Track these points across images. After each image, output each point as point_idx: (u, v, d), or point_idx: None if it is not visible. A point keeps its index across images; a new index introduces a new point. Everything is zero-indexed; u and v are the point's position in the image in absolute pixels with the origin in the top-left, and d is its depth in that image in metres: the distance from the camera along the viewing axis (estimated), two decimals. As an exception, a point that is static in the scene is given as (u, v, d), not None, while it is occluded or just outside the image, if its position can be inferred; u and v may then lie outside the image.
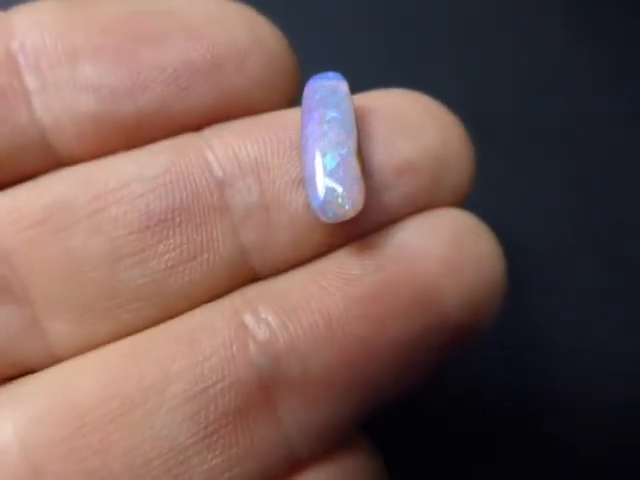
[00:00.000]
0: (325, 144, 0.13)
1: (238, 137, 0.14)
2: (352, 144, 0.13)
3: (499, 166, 0.24)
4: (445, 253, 0.13)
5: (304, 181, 0.13)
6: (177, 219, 0.13)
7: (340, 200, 0.12)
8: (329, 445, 0.13)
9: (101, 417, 0.12)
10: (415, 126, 0.14)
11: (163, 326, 0.13)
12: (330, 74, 0.13)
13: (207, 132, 0.14)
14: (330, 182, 0.12)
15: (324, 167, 0.12)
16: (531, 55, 0.26)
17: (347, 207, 0.12)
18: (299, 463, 0.13)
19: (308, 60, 0.15)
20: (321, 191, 0.12)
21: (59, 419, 0.12)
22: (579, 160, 0.24)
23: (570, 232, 0.23)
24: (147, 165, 0.13)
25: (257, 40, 0.14)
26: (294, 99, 0.15)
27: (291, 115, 0.14)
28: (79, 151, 0.14)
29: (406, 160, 0.14)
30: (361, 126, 0.14)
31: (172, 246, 0.13)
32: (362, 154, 0.13)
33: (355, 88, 0.15)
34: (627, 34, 0.26)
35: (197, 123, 0.14)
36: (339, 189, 0.12)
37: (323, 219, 0.12)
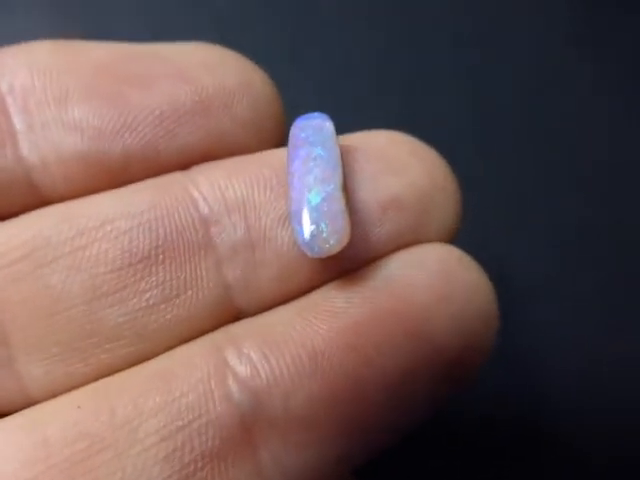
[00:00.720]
0: (310, 180, 0.13)
1: (224, 175, 0.14)
2: (337, 180, 0.13)
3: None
4: (433, 283, 0.13)
5: (290, 217, 0.13)
6: (160, 256, 0.13)
7: (325, 235, 0.12)
8: None
9: (68, 458, 0.11)
10: (401, 163, 0.14)
11: (140, 365, 0.13)
12: (316, 114, 0.14)
13: (193, 170, 0.14)
14: (315, 217, 0.12)
15: (309, 202, 0.12)
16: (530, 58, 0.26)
17: (332, 242, 0.12)
18: None
19: (294, 105, 0.16)
20: (306, 226, 0.12)
21: (26, 459, 0.11)
22: (578, 164, 0.24)
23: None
24: (131, 202, 0.13)
25: (245, 83, 0.15)
26: (280, 142, 0.15)
27: (277, 154, 0.14)
28: (65, 190, 0.14)
29: (392, 196, 0.14)
30: (347, 163, 0.14)
31: (154, 284, 0.13)
32: (348, 190, 0.13)
33: (343, 126, 0.15)
34: (628, 34, 0.26)
35: (184, 163, 0.14)
36: (324, 224, 0.12)
37: (309, 254, 0.12)
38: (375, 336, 0.13)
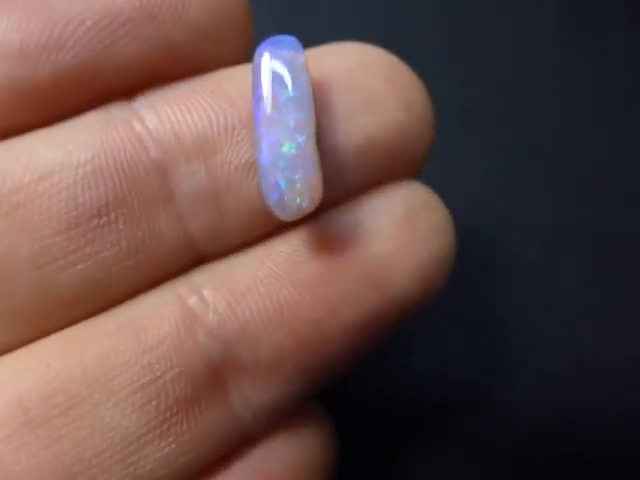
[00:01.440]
0: (281, 132, 0.11)
1: (177, 109, 0.12)
2: (310, 129, 0.12)
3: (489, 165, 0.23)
4: (397, 232, 0.13)
5: (258, 172, 0.12)
6: (112, 214, 0.12)
7: (297, 197, 0.11)
8: (281, 420, 0.14)
9: (47, 411, 0.12)
10: (376, 98, 0.13)
11: (106, 314, 0.12)
12: (285, 39, 0.12)
13: (139, 102, 0.12)
14: (287, 177, 0.11)
15: (280, 159, 0.11)
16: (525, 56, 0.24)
17: (305, 204, 0.12)
18: (252, 438, 0.14)
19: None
20: (277, 187, 0.11)
21: (2, 414, 0.12)
22: (573, 162, 0.23)
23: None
24: (70, 149, 0.11)
25: None
26: (247, 50, 0.13)
27: (239, 79, 0.12)
28: None
29: (366, 137, 0.13)
30: (319, 99, 0.12)
31: (109, 244, 0.12)
32: (320, 133, 0.12)
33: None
34: (621, 35, 0.24)
35: (127, 86, 0.12)
36: (296, 185, 0.11)
37: (280, 216, 0.12)
38: (338, 286, 0.13)
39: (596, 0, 0.25)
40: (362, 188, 0.13)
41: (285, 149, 0.11)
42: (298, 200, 0.11)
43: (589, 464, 0.20)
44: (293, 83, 0.11)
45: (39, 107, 0.12)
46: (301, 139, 0.11)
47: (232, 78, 0.12)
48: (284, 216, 0.12)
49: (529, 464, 0.20)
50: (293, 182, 0.11)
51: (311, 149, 0.11)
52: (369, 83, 0.13)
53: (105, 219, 0.12)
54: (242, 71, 0.12)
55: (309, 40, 0.14)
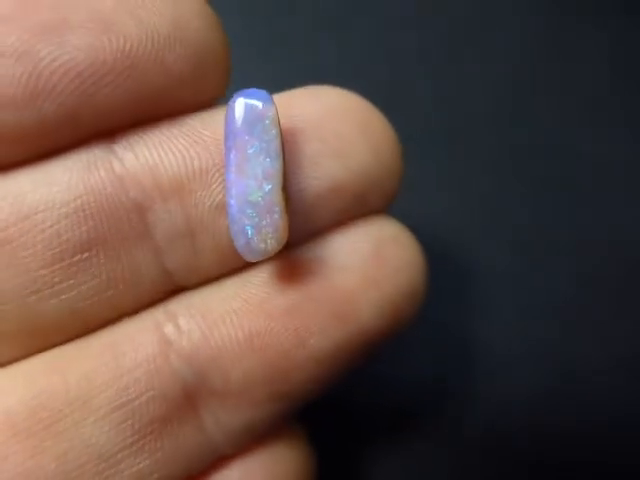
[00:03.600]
0: (249, 181, 0.12)
1: (155, 152, 0.13)
2: (277, 178, 0.12)
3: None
4: (365, 267, 0.14)
5: (227, 217, 0.12)
6: (94, 249, 0.13)
7: (262, 242, 0.12)
8: (253, 441, 0.15)
9: (34, 425, 0.13)
10: (345, 142, 0.13)
11: (87, 338, 0.13)
12: (255, 92, 0.12)
13: (120, 144, 0.13)
14: (253, 223, 0.12)
15: (247, 206, 0.12)
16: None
17: (270, 247, 0.12)
18: (224, 458, 0.15)
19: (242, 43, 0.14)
20: (244, 233, 0.12)
21: None
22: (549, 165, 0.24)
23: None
24: (54, 190, 0.12)
25: (179, 27, 0.12)
26: (223, 93, 0.14)
27: (213, 124, 0.13)
28: None
29: (333, 182, 0.13)
30: (289, 145, 0.13)
31: (90, 277, 0.13)
32: (288, 179, 0.13)
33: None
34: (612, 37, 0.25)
35: (108, 128, 0.13)
36: (262, 230, 0.12)
37: (247, 258, 0.13)
38: (307, 318, 0.14)
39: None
40: (331, 227, 0.14)
41: (252, 197, 0.12)
42: (263, 245, 0.12)
43: (576, 466, 0.21)
44: (262, 135, 0.12)
45: (23, 148, 0.12)
46: (267, 188, 0.12)
47: (207, 123, 0.13)
48: (251, 258, 0.13)
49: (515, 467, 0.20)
50: (259, 228, 0.12)
51: (277, 197, 0.12)
52: (338, 129, 0.13)
53: (87, 254, 0.12)
54: (217, 115, 0.13)
55: (286, 79, 0.15)
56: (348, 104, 0.14)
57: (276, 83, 0.15)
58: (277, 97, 0.14)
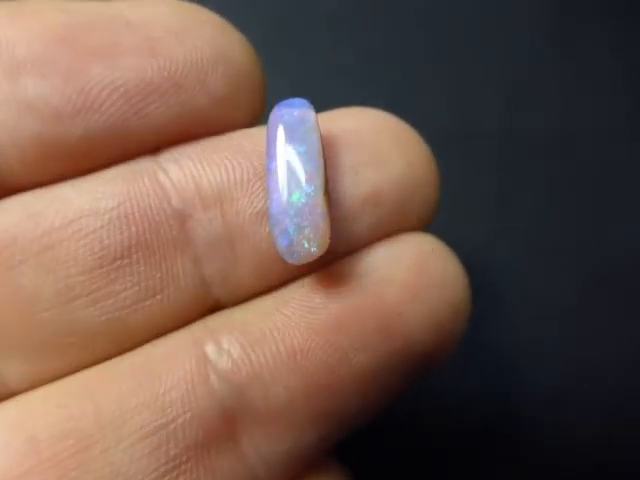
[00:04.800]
0: (291, 182, 0.12)
1: (198, 162, 0.13)
2: (319, 181, 0.12)
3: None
4: (409, 279, 0.13)
5: (269, 219, 0.12)
6: (134, 256, 0.12)
7: (305, 243, 0.12)
8: (296, 473, 0.14)
9: (59, 453, 0.12)
10: (382, 154, 0.14)
11: (122, 357, 0.13)
12: (297, 101, 0.13)
13: (164, 156, 0.13)
14: (295, 224, 0.12)
15: (290, 207, 0.12)
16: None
17: (313, 249, 0.12)
18: None
19: (277, 73, 0.15)
20: (286, 233, 0.12)
21: (15, 455, 0.12)
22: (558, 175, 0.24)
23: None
24: (99, 195, 0.12)
25: (221, 53, 0.13)
26: (261, 115, 0.14)
27: (254, 137, 0.13)
28: (24, 176, 0.13)
29: (373, 190, 0.13)
30: (328, 156, 0.13)
31: (130, 284, 0.12)
32: (329, 186, 0.13)
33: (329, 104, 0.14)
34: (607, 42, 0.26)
35: (153, 145, 0.13)
36: (305, 231, 0.12)
37: (289, 261, 0.12)
38: (351, 333, 0.13)
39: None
40: (372, 237, 0.14)
41: (294, 198, 0.12)
42: (306, 245, 0.12)
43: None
44: (303, 139, 0.12)
45: (71, 161, 0.13)
46: (310, 189, 0.12)
47: (248, 136, 0.13)
48: (293, 261, 0.12)
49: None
50: (302, 228, 0.12)
51: (319, 199, 0.12)
52: (375, 141, 0.14)
53: (127, 260, 0.12)
54: (257, 130, 0.14)
55: (319, 105, 0.15)
56: (383, 121, 0.14)
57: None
58: (320, 115, 0.14)
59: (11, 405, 0.12)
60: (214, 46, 0.13)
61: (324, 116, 0.14)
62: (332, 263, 0.13)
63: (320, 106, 0.14)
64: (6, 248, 0.12)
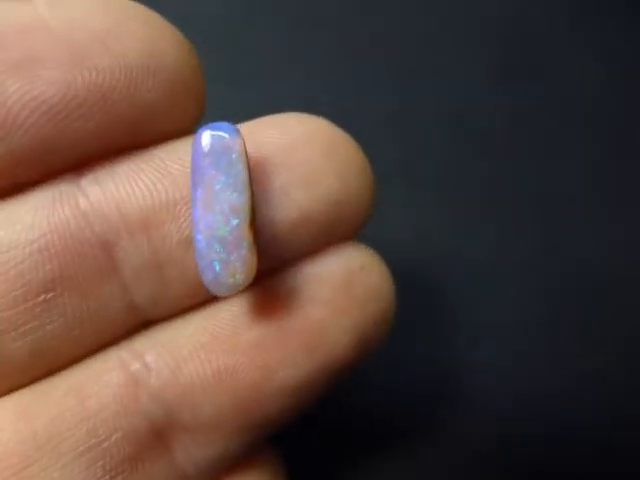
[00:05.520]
0: (216, 215, 0.12)
1: (121, 185, 0.13)
2: (244, 211, 0.12)
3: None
4: (334, 298, 0.14)
5: (195, 252, 0.12)
6: (59, 288, 0.12)
7: (231, 276, 0.12)
8: (226, 470, 0.14)
9: (3, 471, 0.13)
10: (312, 171, 0.13)
11: (52, 380, 0.13)
12: (222, 125, 0.12)
13: (86, 178, 0.13)
14: (221, 258, 0.12)
15: (214, 241, 0.12)
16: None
17: (238, 282, 0.12)
18: None
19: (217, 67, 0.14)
20: (211, 268, 0.12)
21: None
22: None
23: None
24: (18, 228, 0.12)
25: (153, 57, 0.12)
26: (199, 120, 0.14)
27: (182, 154, 0.13)
28: None
29: (303, 213, 0.13)
30: (258, 178, 0.13)
31: (56, 316, 0.12)
32: (259, 210, 0.13)
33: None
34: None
35: (77, 162, 0.13)
36: (230, 266, 0.12)
37: (215, 293, 0.12)
38: (275, 352, 0.13)
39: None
40: (300, 256, 0.14)
41: (219, 233, 0.12)
42: (232, 279, 0.12)
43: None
44: (228, 169, 0.12)
45: None
46: (235, 222, 0.12)
47: (175, 154, 0.13)
48: (219, 293, 0.12)
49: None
50: (227, 263, 0.12)
51: (245, 230, 0.12)
52: (306, 158, 0.13)
53: (51, 294, 0.12)
54: (187, 145, 0.13)
55: (257, 106, 0.15)
56: (315, 130, 0.14)
57: (248, 110, 0.15)
58: (244, 126, 0.14)
59: None
60: (145, 50, 0.12)
61: (251, 125, 0.14)
62: (260, 283, 0.13)
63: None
64: None
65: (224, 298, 0.14)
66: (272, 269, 0.14)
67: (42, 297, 0.12)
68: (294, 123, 0.14)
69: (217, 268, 0.12)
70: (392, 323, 0.15)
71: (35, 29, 0.12)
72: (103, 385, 0.13)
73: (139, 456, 0.13)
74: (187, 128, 0.13)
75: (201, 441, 0.14)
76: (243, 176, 0.12)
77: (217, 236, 0.12)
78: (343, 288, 0.14)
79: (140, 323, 0.13)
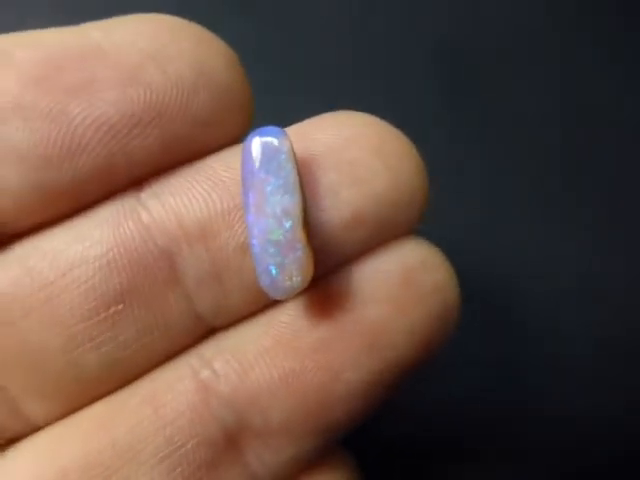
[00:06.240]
0: (268, 220, 0.12)
1: (178, 197, 0.13)
2: (297, 214, 0.12)
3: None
4: (394, 296, 0.13)
5: (252, 257, 0.12)
6: (127, 300, 0.13)
7: (287, 279, 0.12)
8: (299, 472, 0.14)
9: None
10: (363, 170, 0.13)
11: (127, 390, 0.14)
12: (270, 129, 0.12)
13: (146, 192, 0.13)
14: (277, 262, 0.12)
15: (269, 245, 0.12)
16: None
17: (296, 284, 0.12)
18: None
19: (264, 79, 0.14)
20: (268, 272, 0.12)
21: None
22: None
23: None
24: (87, 245, 0.13)
25: (203, 73, 0.13)
26: (248, 130, 0.14)
27: (233, 163, 0.13)
28: (15, 223, 0.13)
29: (354, 213, 0.13)
30: (306, 179, 0.13)
31: (127, 327, 0.13)
32: (309, 213, 0.13)
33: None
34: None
35: (138, 178, 0.13)
36: (286, 268, 0.12)
37: (274, 297, 0.12)
38: (338, 353, 0.13)
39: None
40: (356, 256, 0.13)
41: (273, 236, 0.12)
42: (289, 282, 0.12)
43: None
44: (278, 171, 0.12)
45: (62, 204, 0.13)
46: (288, 224, 0.12)
47: (227, 164, 0.13)
48: (277, 296, 0.12)
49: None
50: (283, 266, 0.12)
51: (298, 233, 0.12)
52: (356, 157, 0.13)
53: (121, 306, 0.13)
54: (236, 154, 0.13)
55: (304, 110, 0.15)
56: (363, 128, 0.13)
57: (296, 114, 0.15)
58: (294, 128, 0.14)
59: (39, 439, 0.13)
60: (196, 66, 0.13)
61: (300, 127, 0.14)
62: (317, 284, 0.13)
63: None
64: (5, 304, 0.13)
65: (284, 302, 0.14)
66: (328, 271, 0.13)
67: (112, 309, 0.13)
68: (341, 121, 0.14)
69: (273, 272, 0.12)
70: (456, 321, 0.14)
71: (90, 53, 0.12)
72: (176, 393, 0.13)
73: (214, 462, 0.13)
74: (237, 137, 0.14)
75: (273, 445, 0.14)
76: (292, 177, 0.12)
77: (271, 240, 0.12)
78: (402, 285, 0.13)
79: (206, 331, 0.14)
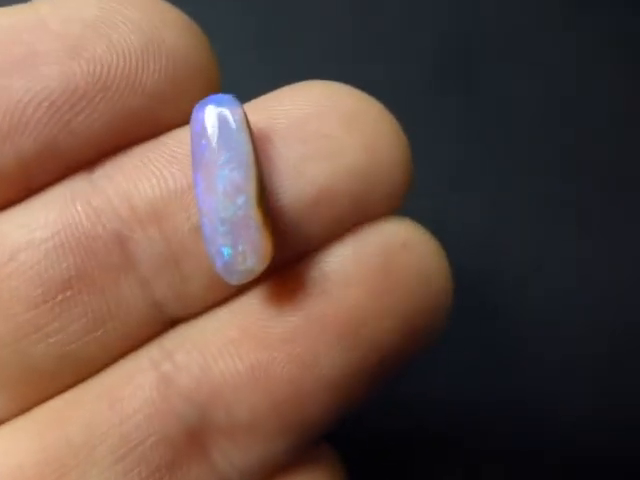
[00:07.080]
0: (218, 196, 0.11)
1: (129, 177, 0.12)
2: (251, 190, 0.11)
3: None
4: (372, 279, 0.12)
5: (203, 239, 0.11)
6: (76, 287, 0.12)
7: (242, 261, 0.11)
8: (274, 473, 0.13)
9: (44, 478, 0.12)
10: (331, 142, 0.12)
11: (84, 385, 0.13)
12: (220, 97, 0.11)
13: (97, 173, 0.12)
14: (229, 242, 0.11)
15: (220, 224, 0.11)
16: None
17: (251, 266, 0.11)
18: None
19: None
20: (220, 254, 0.11)
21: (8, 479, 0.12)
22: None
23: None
24: (33, 227, 0.12)
25: (152, 41, 0.12)
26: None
27: (188, 138, 0.12)
28: None
29: (322, 189, 0.12)
30: (268, 155, 0.12)
31: (77, 316, 0.12)
32: (268, 190, 0.12)
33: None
34: None
35: (91, 156, 0.12)
36: (239, 249, 0.11)
37: (229, 281, 0.11)
38: (312, 343, 0.12)
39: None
40: (329, 236, 0.12)
41: (224, 214, 0.11)
42: (242, 266, 0.11)
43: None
44: (229, 143, 0.11)
45: (6, 189, 0.12)
46: (240, 201, 0.11)
47: (181, 139, 0.12)
48: (232, 281, 0.11)
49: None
50: (236, 247, 0.11)
51: (252, 210, 0.11)
52: (325, 128, 0.12)
53: (69, 293, 0.12)
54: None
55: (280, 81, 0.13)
56: (335, 97, 0.12)
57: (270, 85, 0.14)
58: (261, 99, 0.13)
59: None
60: (144, 34, 0.12)
61: (266, 99, 0.12)
62: (287, 268, 0.12)
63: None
64: None
65: (250, 289, 0.12)
66: (298, 254, 0.12)
67: (60, 297, 0.12)
68: (312, 90, 0.12)
69: (226, 254, 0.11)
70: (447, 307, 0.13)
71: (34, 27, 0.12)
72: (134, 387, 0.12)
73: (176, 461, 0.12)
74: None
75: (241, 444, 0.13)
76: (245, 149, 0.11)
77: (222, 218, 0.11)
78: (381, 268, 0.12)
79: (168, 322, 0.13)
